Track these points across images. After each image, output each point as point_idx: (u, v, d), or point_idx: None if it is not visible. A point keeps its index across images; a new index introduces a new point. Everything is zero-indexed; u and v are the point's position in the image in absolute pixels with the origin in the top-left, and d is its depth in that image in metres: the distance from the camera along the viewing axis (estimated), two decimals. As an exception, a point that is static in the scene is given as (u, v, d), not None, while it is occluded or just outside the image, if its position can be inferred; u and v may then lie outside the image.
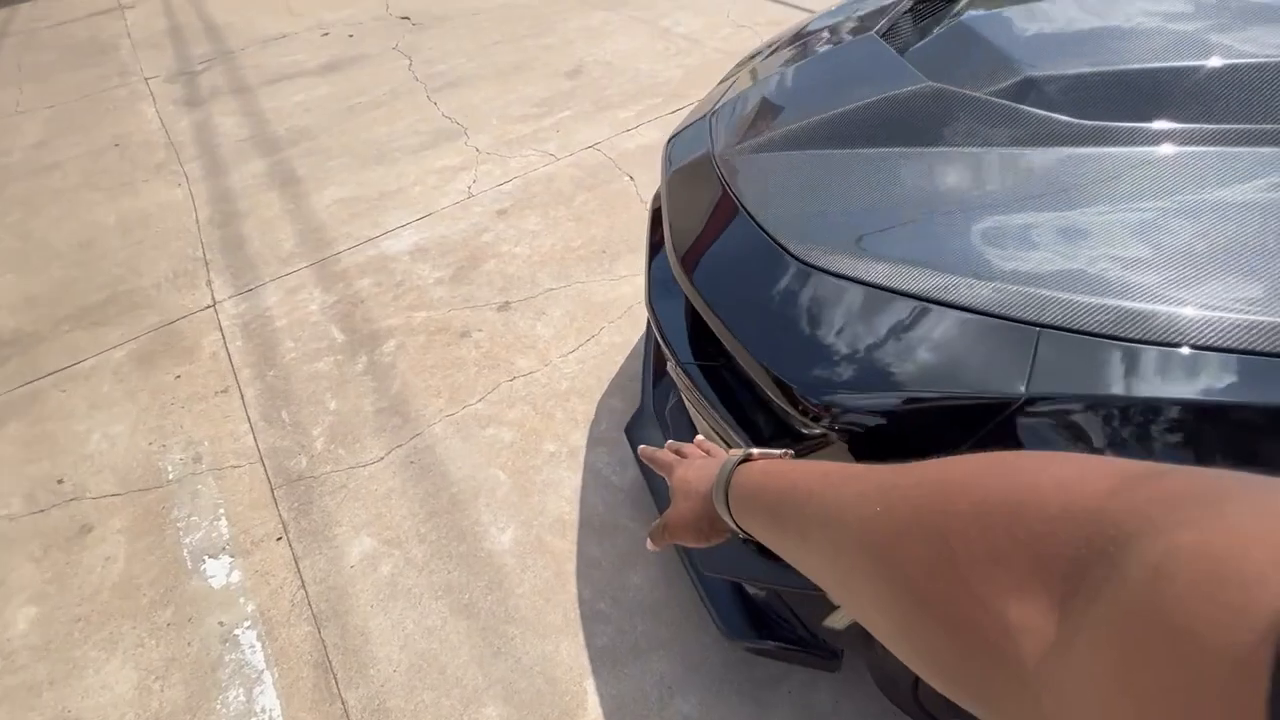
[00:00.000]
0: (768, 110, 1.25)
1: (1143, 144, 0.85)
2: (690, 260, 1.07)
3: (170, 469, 1.89)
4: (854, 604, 0.32)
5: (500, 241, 2.58)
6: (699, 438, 0.67)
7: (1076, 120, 0.91)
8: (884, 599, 0.28)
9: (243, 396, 2.08)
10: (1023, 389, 0.68)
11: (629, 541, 1.57)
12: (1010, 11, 1.20)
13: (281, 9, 5.28)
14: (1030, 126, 0.93)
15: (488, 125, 3.38)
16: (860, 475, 0.35)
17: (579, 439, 1.82)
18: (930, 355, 0.76)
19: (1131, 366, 0.65)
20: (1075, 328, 0.69)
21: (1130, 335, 0.66)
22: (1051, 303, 0.71)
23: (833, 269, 0.88)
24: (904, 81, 1.09)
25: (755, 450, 0.52)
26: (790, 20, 3.99)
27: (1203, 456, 0.64)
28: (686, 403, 1.21)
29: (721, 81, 1.68)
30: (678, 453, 0.65)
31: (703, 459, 0.59)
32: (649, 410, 1.55)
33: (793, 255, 0.94)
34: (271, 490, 1.79)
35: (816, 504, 0.37)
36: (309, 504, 1.75)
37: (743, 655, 1.33)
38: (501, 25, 4.51)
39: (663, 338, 1.17)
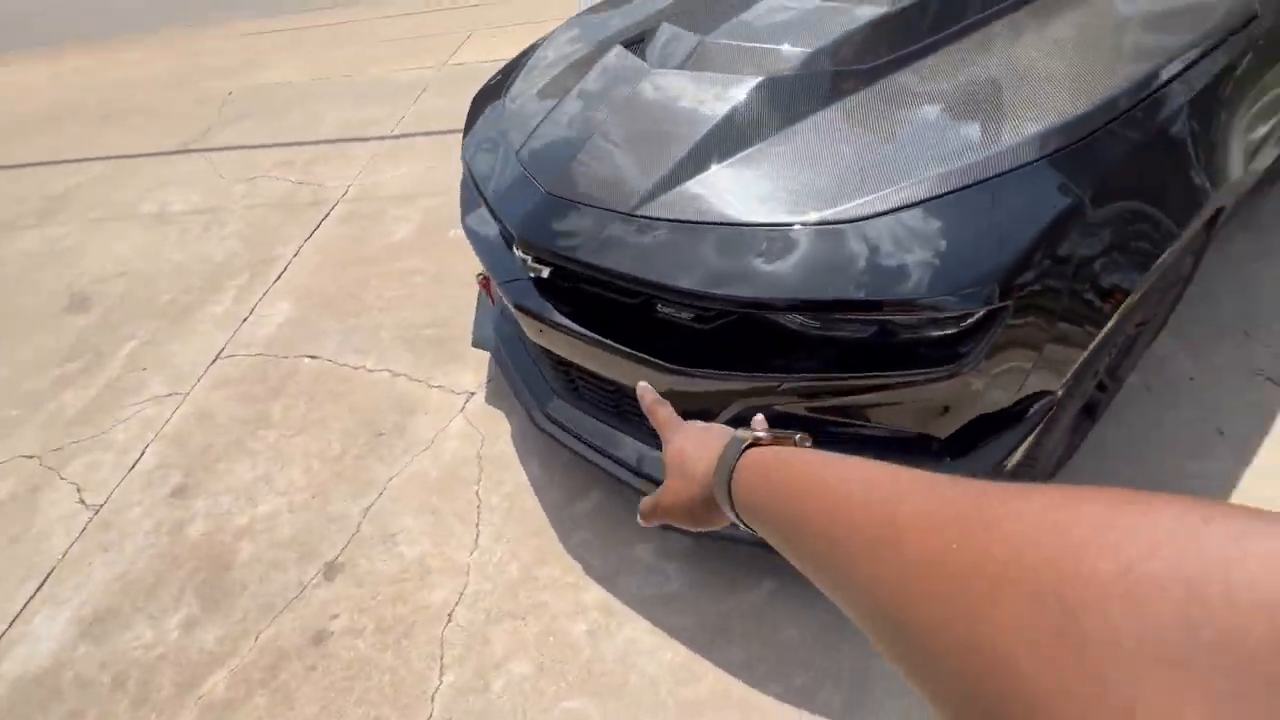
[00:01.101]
0: (625, 162, 1.27)
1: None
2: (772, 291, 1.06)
3: None
4: (896, 644, 0.25)
5: (223, 519, 1.78)
6: None
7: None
8: (951, 660, 0.21)
9: None
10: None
11: (749, 625, 1.42)
12: (732, 27, 1.49)
13: None
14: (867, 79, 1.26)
15: (5, 418, 2.18)
16: (921, 489, 0.28)
17: (596, 595, 1.49)
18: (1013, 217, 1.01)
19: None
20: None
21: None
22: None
23: (850, 216, 1.04)
24: (741, 86, 1.28)
25: (764, 432, 0.44)
26: (299, 156, 3.74)
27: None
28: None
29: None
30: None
31: (702, 430, 0.51)
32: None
33: (814, 222, 1.05)
34: None
35: (856, 519, 0.30)
36: None
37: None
38: None
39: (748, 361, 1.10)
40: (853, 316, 1.05)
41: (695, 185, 1.20)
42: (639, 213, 1.20)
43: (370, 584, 1.58)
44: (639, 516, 0.54)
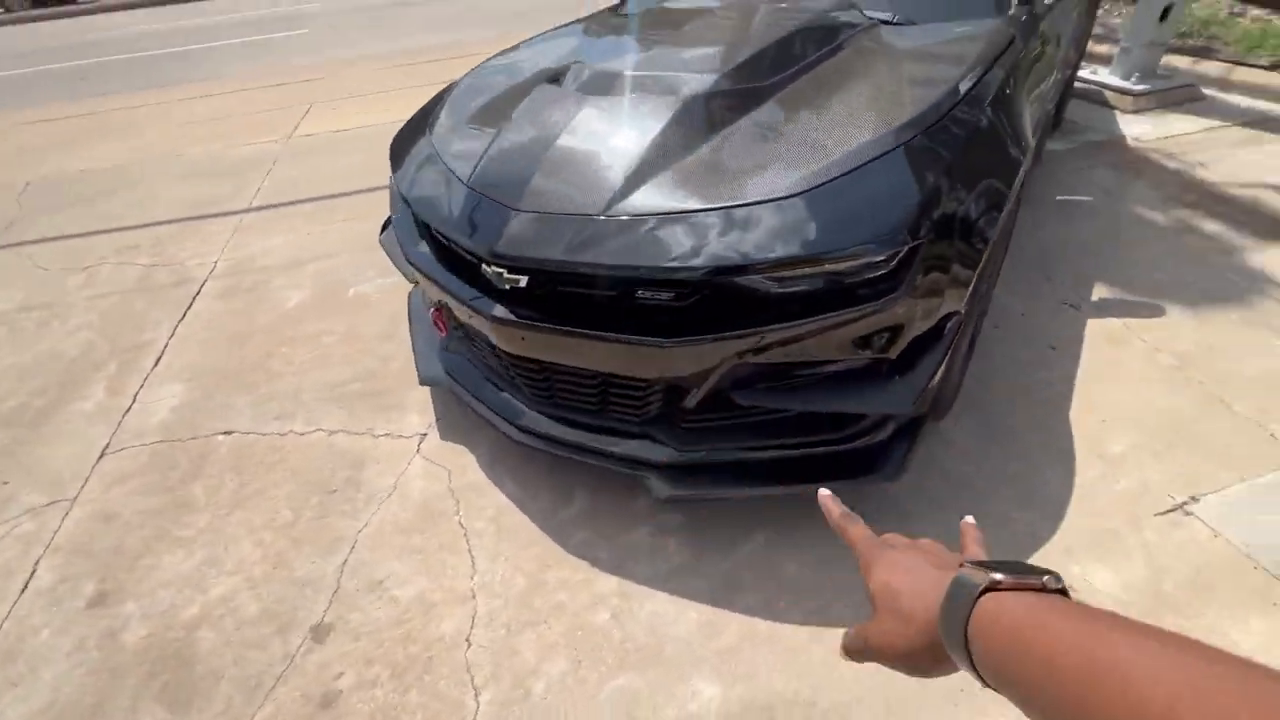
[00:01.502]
0: (585, 174, 1.43)
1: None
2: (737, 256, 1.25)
3: None
4: None
5: (167, 615, 1.58)
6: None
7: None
8: None
9: None
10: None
11: (755, 572, 1.55)
12: (641, 62, 1.73)
13: None
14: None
15: None
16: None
17: (609, 584, 1.55)
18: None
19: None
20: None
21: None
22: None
23: (792, 192, 1.30)
24: (669, 104, 1.51)
25: (1001, 575, 0.37)
26: (143, 239, 3.42)
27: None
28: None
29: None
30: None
31: (910, 559, 0.45)
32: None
33: (766, 200, 1.29)
34: None
35: None
36: None
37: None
38: None
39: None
40: (810, 270, 1.28)
41: (656, 184, 1.38)
42: (611, 214, 1.36)
43: (370, 634, 1.49)
44: (843, 653, 0.47)
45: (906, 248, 1.27)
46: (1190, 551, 1.50)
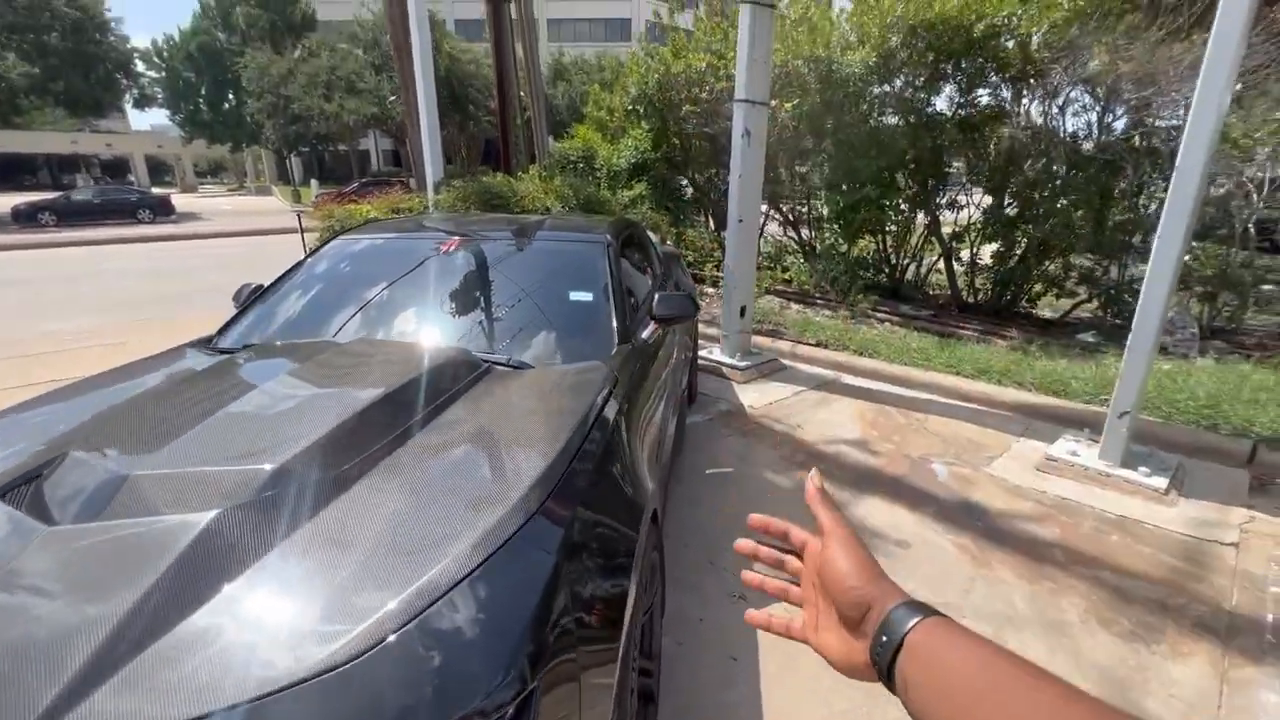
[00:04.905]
0: None
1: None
2: None
3: None
4: None
5: None
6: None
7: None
8: None
9: None
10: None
11: None
12: (175, 449, 1.27)
13: None
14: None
15: None
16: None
17: None
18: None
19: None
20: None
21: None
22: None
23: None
24: (181, 534, 1.06)
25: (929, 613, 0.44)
26: None
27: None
28: None
29: None
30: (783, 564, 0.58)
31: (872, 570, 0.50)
32: None
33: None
34: None
35: None
36: None
37: None
38: None
39: None
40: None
41: (122, 683, 0.88)
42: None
43: None
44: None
45: (525, 692, 0.98)
46: None
